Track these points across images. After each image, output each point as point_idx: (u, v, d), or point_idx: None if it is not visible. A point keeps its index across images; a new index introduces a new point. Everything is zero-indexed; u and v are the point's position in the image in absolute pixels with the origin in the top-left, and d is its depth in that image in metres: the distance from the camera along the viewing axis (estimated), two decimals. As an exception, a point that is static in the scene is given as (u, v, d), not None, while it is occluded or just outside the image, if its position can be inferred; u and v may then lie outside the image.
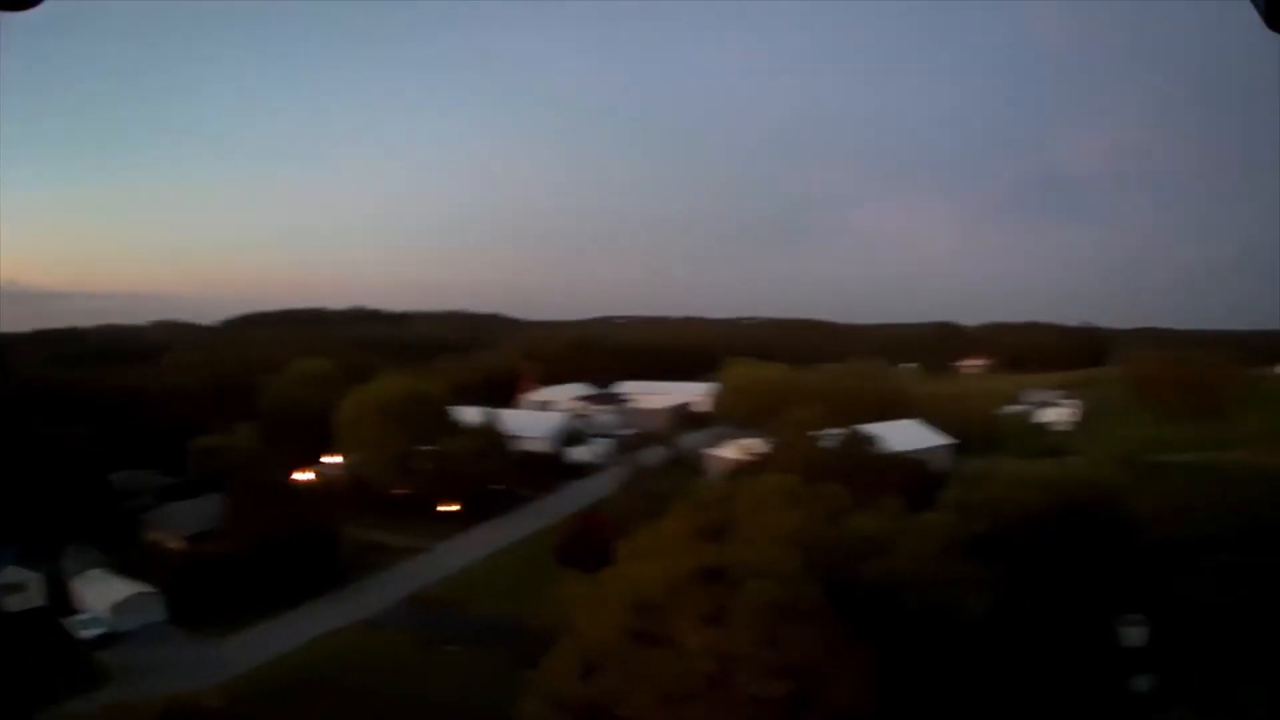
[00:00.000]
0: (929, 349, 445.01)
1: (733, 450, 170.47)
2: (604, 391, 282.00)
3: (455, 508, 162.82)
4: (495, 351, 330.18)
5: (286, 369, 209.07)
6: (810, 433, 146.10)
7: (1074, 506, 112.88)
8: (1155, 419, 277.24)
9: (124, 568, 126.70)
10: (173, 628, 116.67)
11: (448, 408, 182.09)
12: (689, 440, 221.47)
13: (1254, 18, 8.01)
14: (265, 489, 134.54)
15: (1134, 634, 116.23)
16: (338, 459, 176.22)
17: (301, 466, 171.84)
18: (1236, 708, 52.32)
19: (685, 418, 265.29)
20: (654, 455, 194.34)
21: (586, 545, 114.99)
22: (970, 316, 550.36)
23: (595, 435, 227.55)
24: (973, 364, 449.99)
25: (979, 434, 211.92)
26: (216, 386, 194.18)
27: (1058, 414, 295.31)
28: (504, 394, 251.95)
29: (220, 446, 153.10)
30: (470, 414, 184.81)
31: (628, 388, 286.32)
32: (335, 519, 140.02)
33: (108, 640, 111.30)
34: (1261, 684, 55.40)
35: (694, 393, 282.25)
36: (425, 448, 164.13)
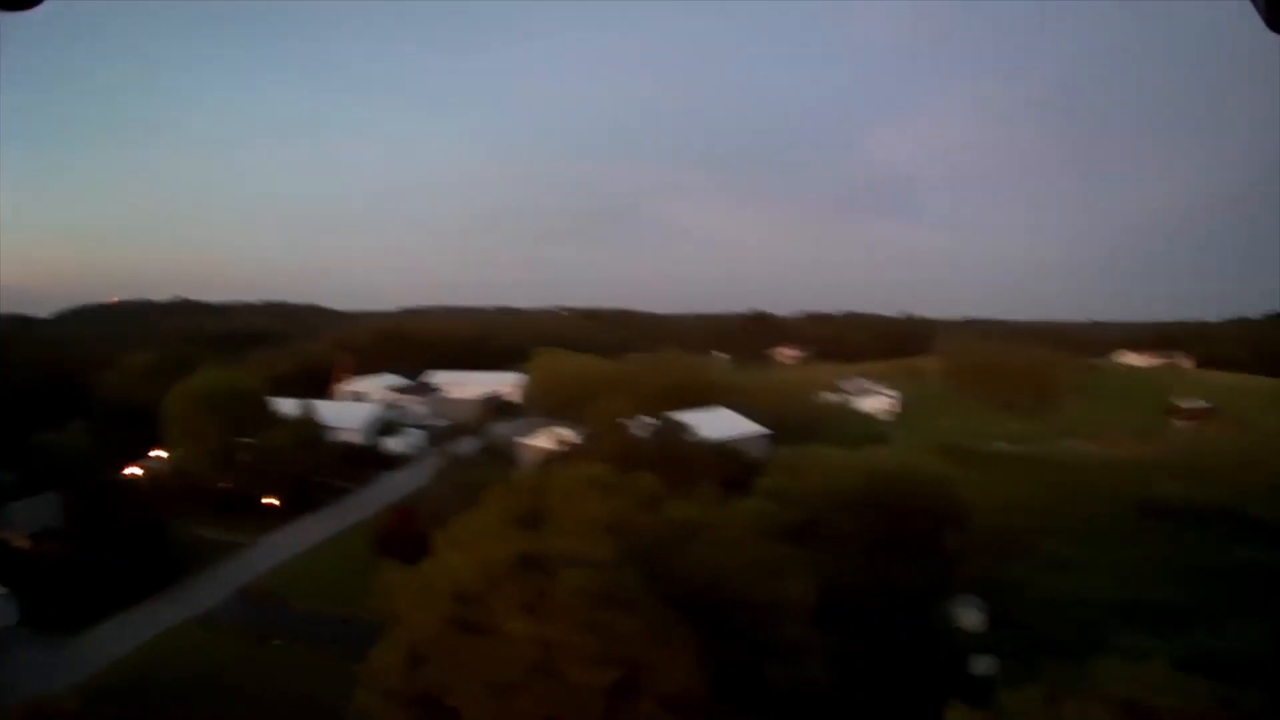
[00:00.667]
0: (742, 339, 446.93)
1: (544, 440, 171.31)
2: (416, 382, 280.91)
3: (276, 501, 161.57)
4: (312, 342, 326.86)
5: (115, 363, 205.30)
6: (621, 421, 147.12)
7: (895, 493, 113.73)
8: (980, 409, 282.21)
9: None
10: (24, 629, 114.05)
11: (266, 400, 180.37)
12: (500, 430, 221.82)
13: (1254, 18, 8.12)
14: (97, 486, 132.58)
15: (971, 617, 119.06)
16: (165, 454, 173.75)
17: (132, 462, 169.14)
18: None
19: (497, 408, 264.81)
20: (467, 446, 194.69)
21: (404, 537, 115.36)
22: (786, 308, 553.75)
23: (409, 426, 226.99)
24: (788, 353, 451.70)
25: (795, 423, 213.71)
26: (49, 381, 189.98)
27: (877, 403, 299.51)
28: (320, 385, 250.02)
29: (56, 443, 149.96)
30: (288, 405, 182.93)
31: (439, 378, 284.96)
32: (166, 515, 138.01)
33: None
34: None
35: (505, 383, 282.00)
36: (245, 440, 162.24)
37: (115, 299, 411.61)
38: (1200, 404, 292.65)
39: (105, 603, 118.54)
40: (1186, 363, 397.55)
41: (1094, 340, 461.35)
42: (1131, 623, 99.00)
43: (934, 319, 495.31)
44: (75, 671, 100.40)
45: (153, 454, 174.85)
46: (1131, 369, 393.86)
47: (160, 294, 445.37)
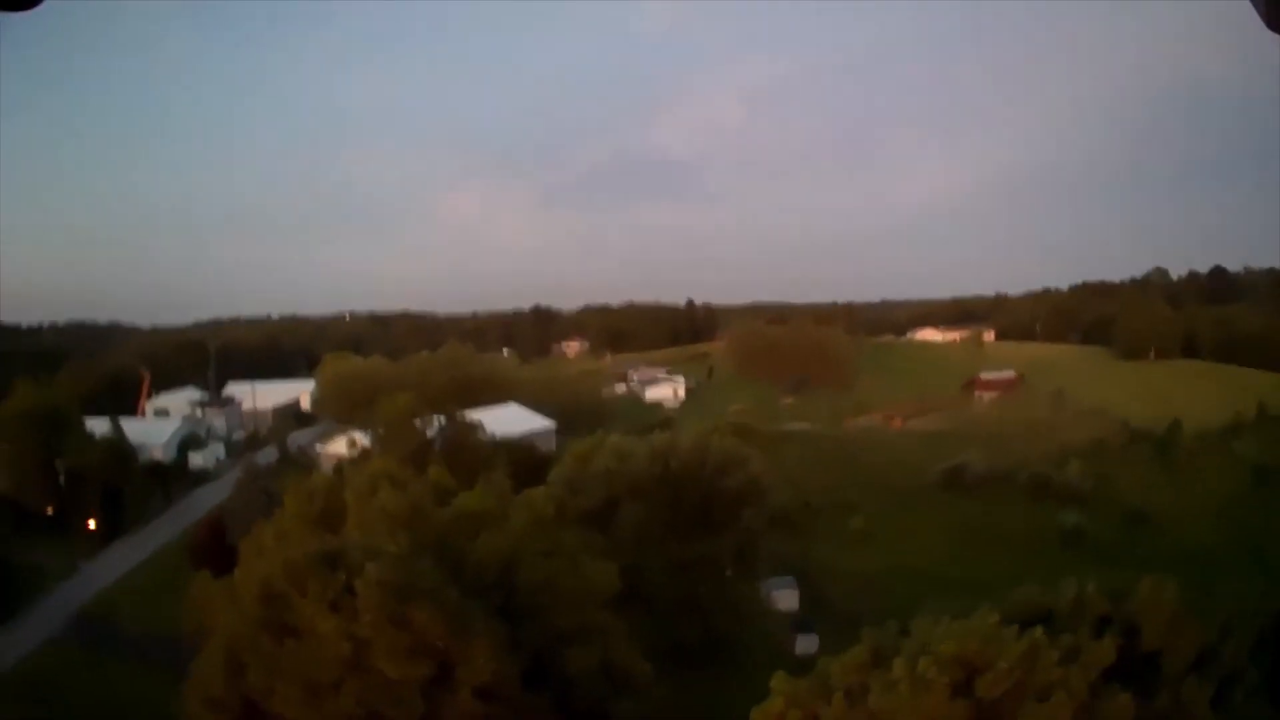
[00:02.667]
0: (525, 335, 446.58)
1: (339, 444, 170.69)
2: (214, 395, 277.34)
3: (93, 523, 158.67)
4: (116, 359, 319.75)
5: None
6: (409, 420, 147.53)
7: (688, 472, 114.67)
8: (769, 392, 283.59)
9: None
10: None
11: (78, 420, 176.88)
12: (297, 438, 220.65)
13: (1254, 18, 8.03)
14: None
15: (786, 597, 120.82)
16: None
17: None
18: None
19: (292, 416, 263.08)
20: (266, 455, 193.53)
21: (213, 549, 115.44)
22: (566, 302, 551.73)
23: (211, 439, 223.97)
24: (572, 346, 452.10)
25: (584, 414, 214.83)
26: None
27: (664, 391, 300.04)
28: (125, 402, 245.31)
29: None
30: (97, 425, 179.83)
31: (236, 389, 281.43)
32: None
33: None
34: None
35: (299, 390, 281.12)
36: (59, 462, 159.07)
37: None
38: (1002, 374, 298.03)
39: None
40: (988, 336, 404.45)
41: (890, 319, 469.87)
42: (941, 591, 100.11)
43: (719, 305, 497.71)
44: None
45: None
46: (928, 344, 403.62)
47: None
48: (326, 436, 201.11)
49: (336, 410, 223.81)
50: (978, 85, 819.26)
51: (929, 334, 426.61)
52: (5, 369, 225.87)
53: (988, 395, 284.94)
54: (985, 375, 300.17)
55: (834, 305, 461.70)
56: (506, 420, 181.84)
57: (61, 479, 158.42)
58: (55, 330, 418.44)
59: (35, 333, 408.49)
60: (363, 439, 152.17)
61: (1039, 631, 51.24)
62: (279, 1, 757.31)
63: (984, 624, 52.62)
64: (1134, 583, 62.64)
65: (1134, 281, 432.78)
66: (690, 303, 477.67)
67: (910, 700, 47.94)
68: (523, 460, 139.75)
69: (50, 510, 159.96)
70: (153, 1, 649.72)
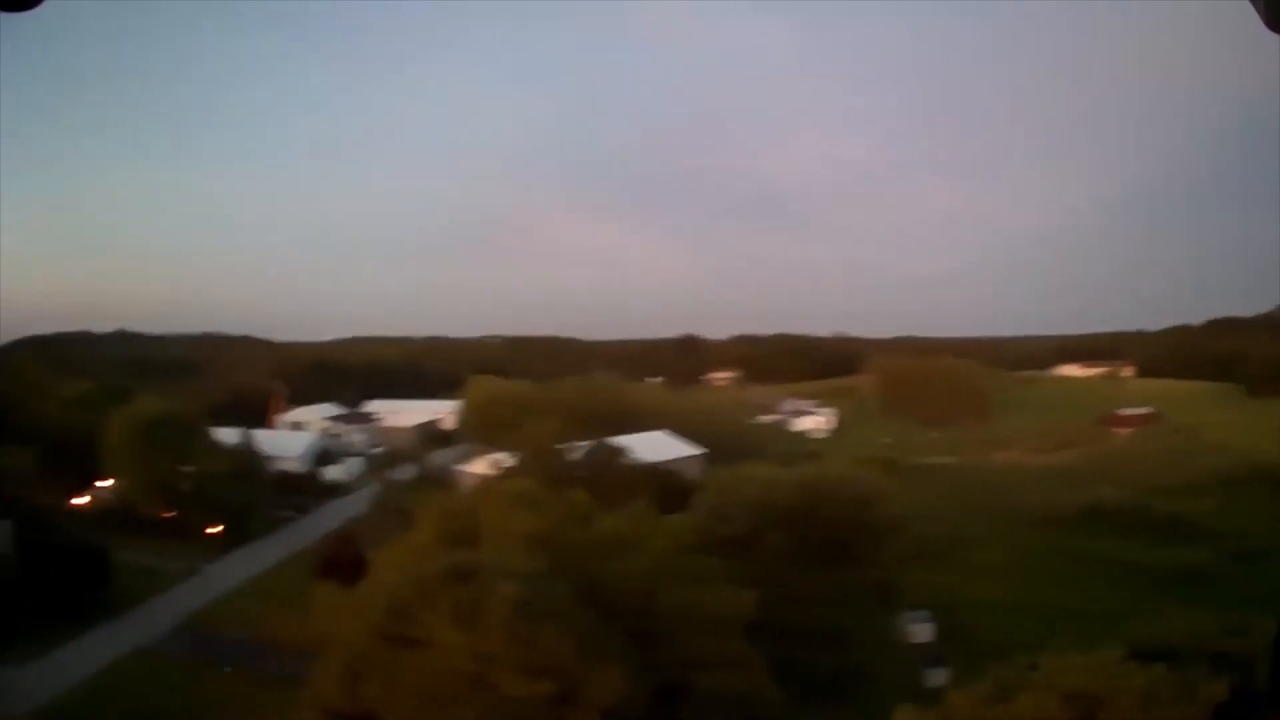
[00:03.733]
0: (673, 364, 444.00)
1: (480, 465, 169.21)
2: (353, 411, 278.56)
3: (218, 529, 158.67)
4: (249, 372, 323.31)
5: (55, 392, 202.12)
6: (555, 445, 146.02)
7: (830, 505, 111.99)
8: (912, 425, 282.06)
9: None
10: None
11: (205, 429, 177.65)
12: (437, 457, 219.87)
13: (1254, 18, 7.38)
14: (45, 514, 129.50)
15: (921, 630, 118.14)
16: (108, 483, 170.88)
17: (77, 491, 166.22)
18: None
19: (432, 435, 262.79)
20: (404, 473, 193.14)
21: (343, 561, 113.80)
22: (714, 331, 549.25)
23: (347, 454, 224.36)
24: (721, 376, 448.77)
25: (731, 443, 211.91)
26: None
27: (812, 422, 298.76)
28: (257, 415, 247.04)
29: (3, 468, 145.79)
30: (227, 435, 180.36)
31: (376, 407, 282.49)
32: (109, 544, 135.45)
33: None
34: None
35: (440, 411, 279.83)
36: (186, 469, 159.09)
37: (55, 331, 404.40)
38: (1140, 410, 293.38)
39: (52, 633, 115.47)
40: (1127, 371, 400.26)
41: (1032, 354, 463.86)
42: (1072, 624, 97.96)
43: (865, 338, 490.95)
44: (18, 705, 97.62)
45: (97, 483, 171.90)
46: (1068, 380, 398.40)
47: (101, 325, 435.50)
48: (467, 457, 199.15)
49: (480, 431, 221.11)
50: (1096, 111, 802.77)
51: (1070, 369, 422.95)
52: (136, 377, 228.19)
53: (1123, 431, 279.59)
54: (1122, 411, 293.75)
55: (977, 340, 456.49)
56: (653, 446, 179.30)
57: (187, 486, 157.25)
58: (188, 341, 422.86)
59: (165, 342, 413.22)
60: (505, 461, 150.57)
61: (1160, 668, 49.11)
62: (408, 34, 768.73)
63: (1108, 659, 50.90)
64: (1253, 620, 60.60)
65: (1264, 316, 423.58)
66: (837, 335, 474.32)
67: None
68: (668, 486, 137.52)
69: (171, 516, 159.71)
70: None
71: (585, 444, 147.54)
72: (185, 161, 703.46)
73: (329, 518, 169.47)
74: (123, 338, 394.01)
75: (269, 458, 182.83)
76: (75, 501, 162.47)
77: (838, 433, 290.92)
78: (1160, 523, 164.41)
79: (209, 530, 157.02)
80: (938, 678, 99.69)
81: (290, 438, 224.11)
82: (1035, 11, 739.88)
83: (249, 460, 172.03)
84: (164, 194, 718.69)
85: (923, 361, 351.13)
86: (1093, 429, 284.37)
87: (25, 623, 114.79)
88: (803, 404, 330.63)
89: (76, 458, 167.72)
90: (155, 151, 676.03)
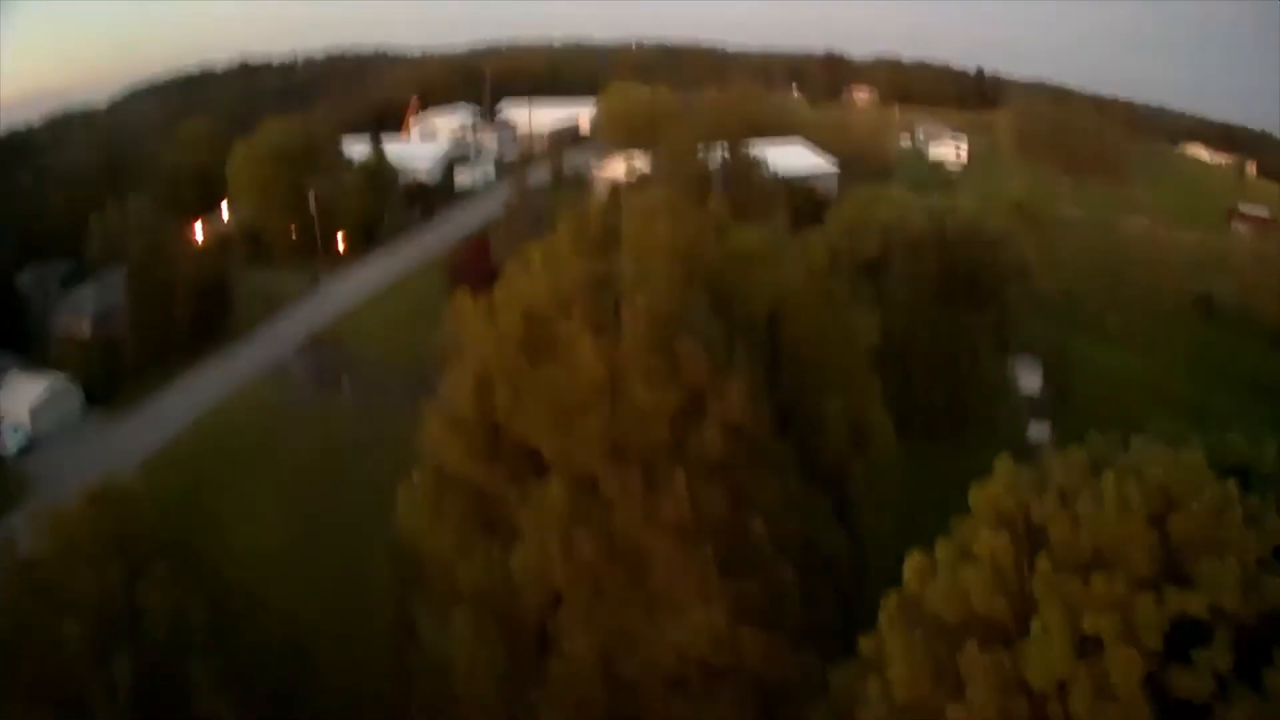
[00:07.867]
0: (814, 78, 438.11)
1: (616, 167, 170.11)
2: (487, 115, 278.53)
3: (343, 245, 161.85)
4: (380, 87, 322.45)
5: (174, 134, 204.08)
6: (692, 150, 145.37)
7: (963, 242, 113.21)
8: (1048, 173, 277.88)
9: (39, 363, 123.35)
10: (89, 416, 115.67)
11: (334, 144, 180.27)
12: (572, 160, 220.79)
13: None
14: (156, 254, 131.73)
15: (1030, 379, 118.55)
16: (227, 213, 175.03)
17: (193, 226, 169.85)
18: None
19: (568, 139, 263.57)
20: (538, 176, 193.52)
21: (476, 268, 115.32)
22: (857, 49, 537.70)
23: (480, 160, 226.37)
24: (861, 94, 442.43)
25: (867, 162, 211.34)
26: (107, 164, 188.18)
27: (948, 152, 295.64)
28: (390, 127, 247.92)
29: (115, 221, 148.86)
30: (356, 149, 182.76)
31: (511, 111, 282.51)
32: (228, 271, 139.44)
33: (30, 447, 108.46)
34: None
35: (577, 115, 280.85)
36: (312, 188, 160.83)
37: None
38: (1260, 212, 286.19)
39: (167, 371, 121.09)
40: (1251, 168, 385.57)
41: (1162, 126, 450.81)
42: (1171, 409, 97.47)
43: (1004, 76, 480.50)
44: (136, 451, 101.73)
45: (215, 215, 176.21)
46: (1199, 162, 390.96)
47: (219, 57, 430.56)
48: (601, 159, 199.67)
49: (617, 136, 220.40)
50: None
51: (1199, 151, 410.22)
52: (262, 107, 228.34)
53: (1244, 228, 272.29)
54: (1243, 208, 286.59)
55: (1114, 100, 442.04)
56: (790, 158, 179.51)
57: (312, 206, 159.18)
58: (312, 63, 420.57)
59: (288, 69, 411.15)
60: (641, 164, 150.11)
61: (1232, 484, 47.41)
62: None
63: (1191, 460, 49.25)
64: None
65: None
66: (979, 70, 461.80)
67: (1113, 516, 44.87)
68: (802, 200, 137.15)
69: (297, 235, 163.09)
70: None
71: (723, 151, 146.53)
72: None
73: (459, 224, 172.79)
74: (246, 71, 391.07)
75: (399, 168, 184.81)
76: (193, 234, 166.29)
77: (970, 167, 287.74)
78: (1272, 330, 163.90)
79: (332, 247, 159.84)
80: (1040, 432, 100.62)
81: (422, 147, 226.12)
82: None
83: (378, 171, 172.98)
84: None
85: (1065, 108, 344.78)
86: (1217, 219, 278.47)
87: (141, 367, 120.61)
88: (941, 130, 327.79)
89: (196, 194, 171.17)
90: None
